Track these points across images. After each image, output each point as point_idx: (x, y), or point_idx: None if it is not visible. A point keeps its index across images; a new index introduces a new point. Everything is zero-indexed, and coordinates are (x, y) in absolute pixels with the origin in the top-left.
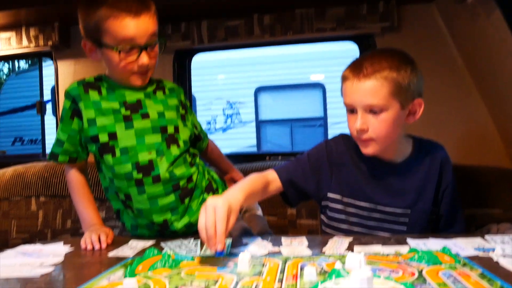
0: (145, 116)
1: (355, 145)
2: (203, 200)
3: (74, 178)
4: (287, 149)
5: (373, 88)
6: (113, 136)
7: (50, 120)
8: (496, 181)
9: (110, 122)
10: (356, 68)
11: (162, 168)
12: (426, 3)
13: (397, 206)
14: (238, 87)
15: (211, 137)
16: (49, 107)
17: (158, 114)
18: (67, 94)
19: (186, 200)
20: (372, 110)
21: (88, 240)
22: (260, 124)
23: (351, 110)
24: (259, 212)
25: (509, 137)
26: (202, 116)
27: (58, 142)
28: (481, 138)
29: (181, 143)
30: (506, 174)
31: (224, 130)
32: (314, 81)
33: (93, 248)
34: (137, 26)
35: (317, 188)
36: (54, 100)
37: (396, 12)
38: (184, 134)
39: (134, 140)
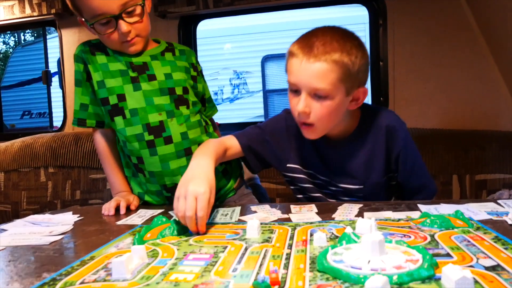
0: (152, 78)
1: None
2: (216, 171)
3: (101, 144)
4: None
5: (322, 71)
6: (122, 97)
7: (56, 93)
8: (507, 146)
9: (118, 84)
10: (306, 46)
11: (174, 129)
12: None
13: (349, 184)
14: (245, 56)
15: (218, 107)
16: (55, 80)
17: (165, 76)
18: (77, 58)
19: None
20: (317, 95)
21: (107, 206)
22: (267, 94)
23: (295, 91)
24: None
25: None
26: (209, 87)
27: (82, 106)
28: (493, 103)
29: (191, 104)
30: None
31: (231, 100)
32: None
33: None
34: None
35: (275, 158)
36: (60, 72)
37: None
38: (194, 95)
39: (143, 101)
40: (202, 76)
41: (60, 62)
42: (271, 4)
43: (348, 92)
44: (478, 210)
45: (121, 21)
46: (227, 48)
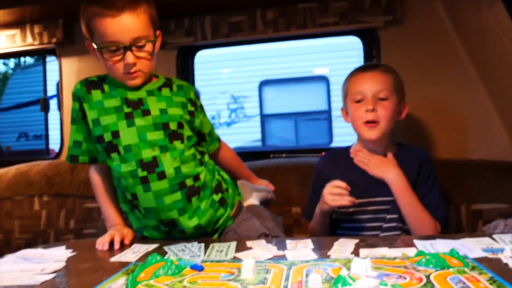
0: (146, 113)
1: (340, 156)
2: (212, 201)
3: (96, 179)
4: (292, 142)
5: (381, 77)
6: (116, 134)
7: (55, 116)
8: (502, 175)
9: (113, 120)
10: (360, 67)
11: (167, 164)
12: None
13: (385, 195)
14: (242, 81)
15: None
16: (54, 102)
17: (160, 111)
18: (74, 96)
19: (194, 199)
20: (380, 97)
21: (101, 240)
22: (264, 118)
23: (359, 100)
24: (255, 201)
25: None
26: (207, 111)
27: (76, 143)
28: (486, 132)
29: (185, 138)
30: None
31: (228, 124)
32: (318, 74)
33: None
34: (117, 25)
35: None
36: (59, 97)
37: (399, 5)
38: (189, 130)
39: (136, 137)
40: (202, 111)
41: (59, 91)
42: (267, 36)
43: (399, 100)
44: (473, 247)
45: (129, 52)
46: (225, 73)
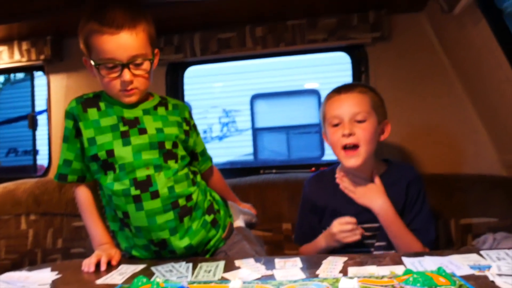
0: (143, 131)
1: (327, 179)
2: (204, 222)
3: (83, 197)
4: (284, 156)
5: (358, 98)
6: (111, 153)
7: (44, 131)
8: (490, 190)
9: (108, 139)
10: (337, 88)
11: (161, 183)
12: (415, 12)
13: (374, 221)
14: (234, 95)
15: (207, 146)
16: (44, 117)
17: (156, 130)
18: (68, 114)
19: (186, 220)
20: (357, 120)
21: (87, 262)
22: (256, 132)
23: (335, 124)
24: (241, 223)
25: (501, 144)
26: (198, 125)
27: (66, 162)
28: (473, 146)
29: (179, 158)
30: (500, 182)
31: (220, 138)
32: (309, 88)
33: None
34: (115, 42)
35: (316, 216)
36: (48, 114)
37: (386, 22)
38: (183, 150)
39: (131, 156)
40: (195, 130)
41: (47, 108)
42: (256, 52)
43: (378, 120)
44: (461, 264)
45: (126, 70)
46: (216, 87)
